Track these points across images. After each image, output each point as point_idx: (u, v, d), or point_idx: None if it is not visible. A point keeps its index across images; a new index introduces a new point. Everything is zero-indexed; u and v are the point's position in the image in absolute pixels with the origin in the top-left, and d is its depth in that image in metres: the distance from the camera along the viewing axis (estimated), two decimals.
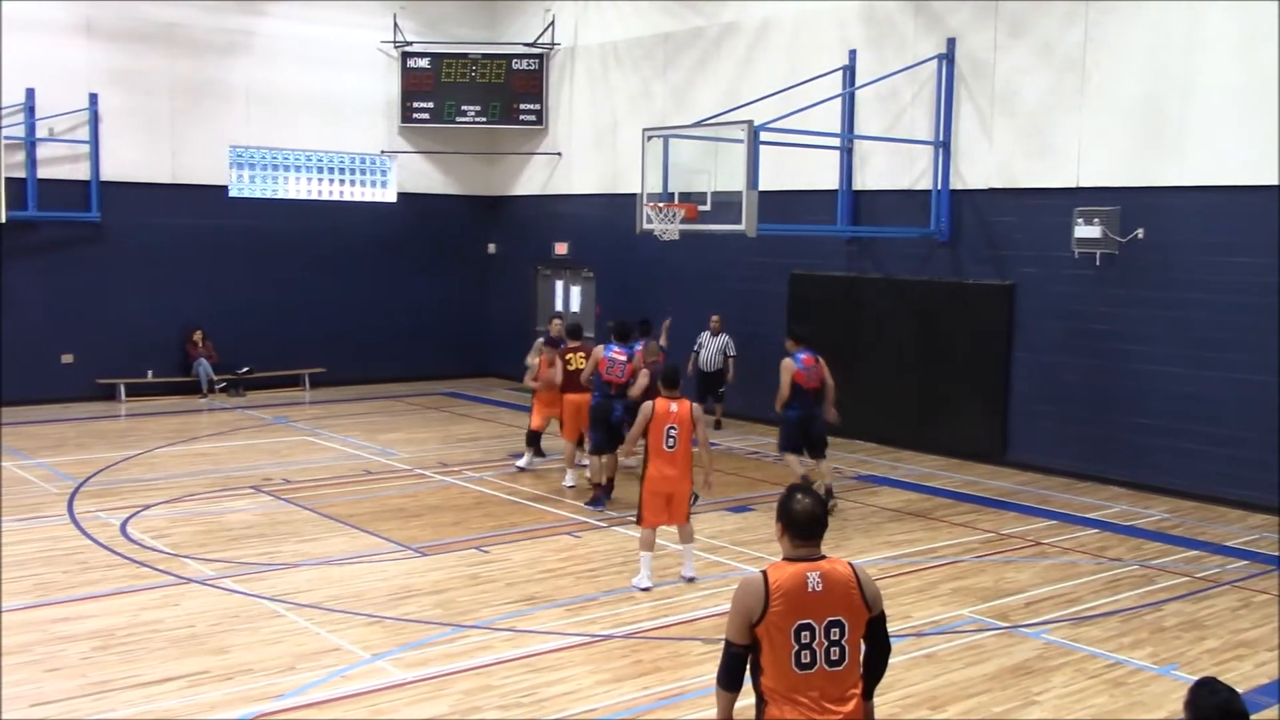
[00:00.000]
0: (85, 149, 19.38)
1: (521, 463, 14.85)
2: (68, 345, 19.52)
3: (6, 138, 18.41)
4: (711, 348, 17.66)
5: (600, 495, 12.93)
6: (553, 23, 21.97)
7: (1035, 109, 15.10)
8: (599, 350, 13.25)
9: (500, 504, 13.10)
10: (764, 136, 13.88)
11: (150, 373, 20.38)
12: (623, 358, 13.12)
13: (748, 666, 4.63)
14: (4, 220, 18.05)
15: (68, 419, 18.08)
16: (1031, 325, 15.25)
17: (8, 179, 18.21)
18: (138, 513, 12.30)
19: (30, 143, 18.87)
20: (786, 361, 12.61)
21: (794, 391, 12.51)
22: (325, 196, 22.27)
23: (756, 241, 15.17)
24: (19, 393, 18.77)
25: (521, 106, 22.43)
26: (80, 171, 19.40)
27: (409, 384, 22.32)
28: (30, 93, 18.79)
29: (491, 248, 23.85)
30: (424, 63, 22.36)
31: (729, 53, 18.85)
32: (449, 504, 13.08)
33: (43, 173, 19.06)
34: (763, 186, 13.77)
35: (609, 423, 12.90)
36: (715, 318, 17.66)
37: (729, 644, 4.63)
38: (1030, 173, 15.21)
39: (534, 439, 14.96)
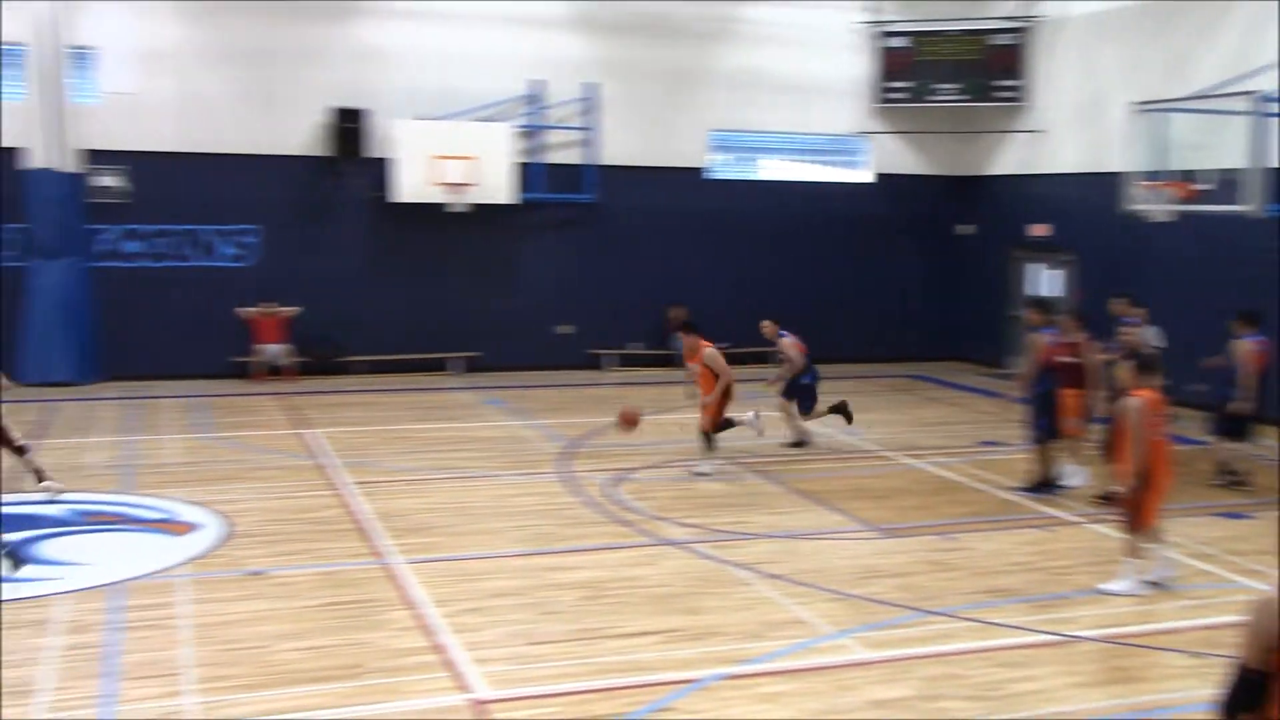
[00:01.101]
0: (585, 135, 20.96)
1: (707, 468, 13.37)
2: (565, 316, 21.25)
3: (520, 126, 20.38)
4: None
5: (1043, 484, 12.55)
6: None
7: None
8: (1042, 338, 12.62)
9: (967, 491, 12.87)
10: (1275, 108, 12.66)
11: (634, 345, 21.77)
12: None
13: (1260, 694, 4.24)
14: (517, 202, 20.09)
15: (563, 385, 19.68)
16: None
17: (520, 164, 20.24)
18: (623, 475, 13.21)
19: (539, 130, 20.72)
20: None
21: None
22: (800, 178, 22.78)
23: (1266, 224, 13.87)
24: (524, 359, 20.70)
25: (1000, 83, 21.77)
26: (579, 156, 21.01)
27: (877, 365, 22.34)
28: (537, 84, 20.58)
29: (964, 229, 23.34)
30: (902, 42, 22.23)
31: (1236, 16, 17.26)
32: (915, 487, 13.03)
33: (549, 157, 20.86)
34: (1272, 162, 12.58)
35: (1057, 411, 12.43)
36: (1142, 310, 15.86)
37: (1244, 669, 4.24)
38: None
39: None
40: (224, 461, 13.72)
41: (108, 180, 18.89)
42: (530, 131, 20.68)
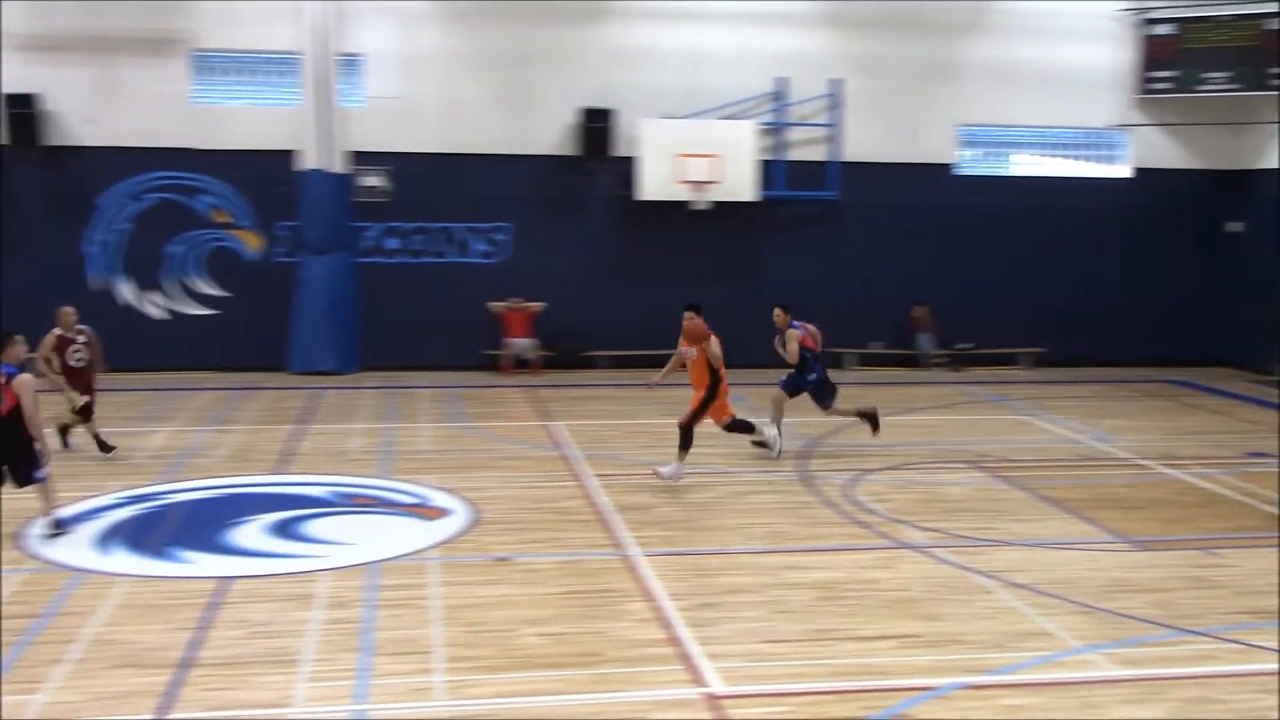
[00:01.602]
0: (829, 131, 20.80)
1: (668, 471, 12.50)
2: (806, 314, 20.96)
3: (764, 123, 20.41)
4: None
5: None
6: None
7: None
8: None
9: (1231, 505, 12.12)
10: None
11: (875, 344, 21.44)
12: None
13: None
14: (759, 199, 20.13)
15: None
16: None
17: (762, 161, 20.28)
18: (861, 476, 13.05)
19: (781, 127, 20.68)
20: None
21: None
22: (1054, 173, 21.97)
23: None
24: (765, 356, 20.61)
25: (1276, 70, 20.39)
26: (822, 153, 20.86)
27: (1132, 369, 21.33)
28: (782, 82, 20.54)
29: (1233, 226, 21.98)
30: (1166, 29, 21.11)
31: None
32: (1173, 499, 12.36)
33: (792, 154, 20.80)
34: None
35: None
36: None
37: None
38: None
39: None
40: (473, 450, 14.28)
41: (372, 180, 19.96)
42: (773, 128, 20.67)
